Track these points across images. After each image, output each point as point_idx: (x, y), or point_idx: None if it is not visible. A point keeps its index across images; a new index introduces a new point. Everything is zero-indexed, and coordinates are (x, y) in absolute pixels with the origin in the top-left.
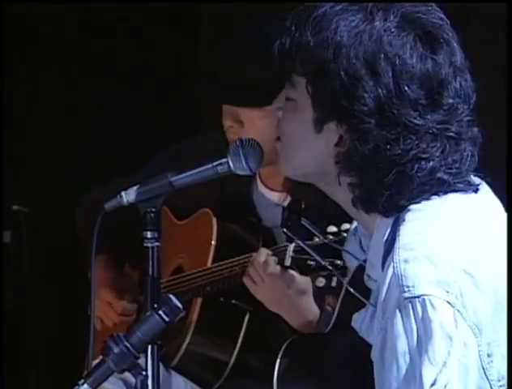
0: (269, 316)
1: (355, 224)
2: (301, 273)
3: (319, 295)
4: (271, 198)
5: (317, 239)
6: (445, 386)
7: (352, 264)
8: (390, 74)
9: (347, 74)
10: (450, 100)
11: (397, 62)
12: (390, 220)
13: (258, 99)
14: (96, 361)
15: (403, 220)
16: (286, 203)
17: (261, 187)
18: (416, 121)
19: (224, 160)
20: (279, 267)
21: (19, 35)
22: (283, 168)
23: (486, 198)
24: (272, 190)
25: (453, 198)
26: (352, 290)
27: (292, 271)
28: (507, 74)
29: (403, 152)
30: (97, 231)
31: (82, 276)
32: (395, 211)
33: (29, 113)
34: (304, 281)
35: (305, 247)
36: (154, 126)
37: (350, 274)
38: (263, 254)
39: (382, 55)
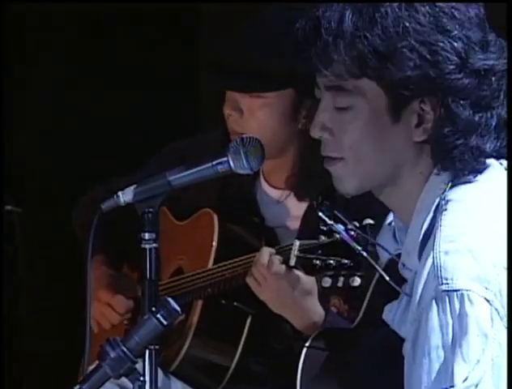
0: (272, 319)
1: (390, 217)
2: (307, 273)
3: (324, 296)
4: (273, 195)
5: (323, 238)
6: (477, 385)
7: (384, 257)
8: (457, 26)
9: (422, 44)
10: (493, 38)
11: (456, 14)
12: (431, 206)
13: (260, 85)
14: (91, 366)
15: (445, 210)
16: (288, 200)
17: (264, 185)
18: (489, 62)
19: (224, 158)
20: (283, 267)
21: (19, 35)
22: (351, 186)
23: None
24: (275, 187)
25: (493, 178)
26: (387, 277)
27: (297, 271)
28: (507, 74)
29: (497, 93)
30: (94, 231)
31: (79, 277)
32: (482, 164)
33: (29, 112)
34: (309, 281)
35: (344, 235)
36: (154, 126)
37: (382, 266)
38: (267, 253)
39: (442, 13)
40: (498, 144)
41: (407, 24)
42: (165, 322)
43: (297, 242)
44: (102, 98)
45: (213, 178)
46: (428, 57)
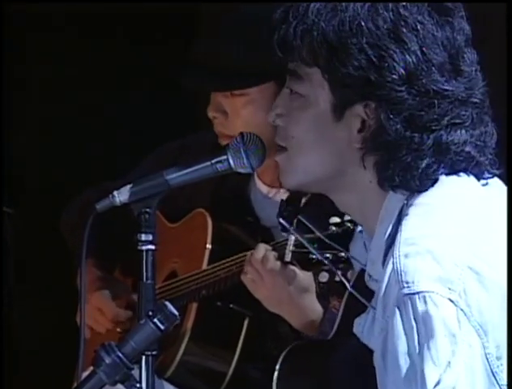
0: (270, 321)
1: (359, 227)
2: (303, 268)
3: (322, 293)
4: (268, 194)
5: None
6: (453, 388)
7: (358, 267)
8: (415, 40)
9: (372, 47)
10: (467, 68)
11: (419, 28)
12: (394, 214)
13: (238, 81)
14: (86, 373)
15: (406, 215)
16: (277, 197)
17: (258, 183)
18: (444, 86)
19: (224, 157)
20: (278, 263)
21: (19, 35)
22: (291, 179)
23: (499, 191)
24: (269, 186)
25: (466, 184)
26: (351, 291)
27: (292, 267)
28: (507, 74)
29: (438, 117)
30: (88, 233)
31: (72, 280)
32: (430, 184)
33: (29, 112)
34: (306, 277)
35: (301, 239)
36: (154, 126)
37: (353, 277)
38: (262, 249)
39: (403, 22)
40: (436, 167)
41: (363, 24)
42: (162, 327)
43: (292, 237)
44: (101, 98)
45: (212, 177)
46: (374, 60)
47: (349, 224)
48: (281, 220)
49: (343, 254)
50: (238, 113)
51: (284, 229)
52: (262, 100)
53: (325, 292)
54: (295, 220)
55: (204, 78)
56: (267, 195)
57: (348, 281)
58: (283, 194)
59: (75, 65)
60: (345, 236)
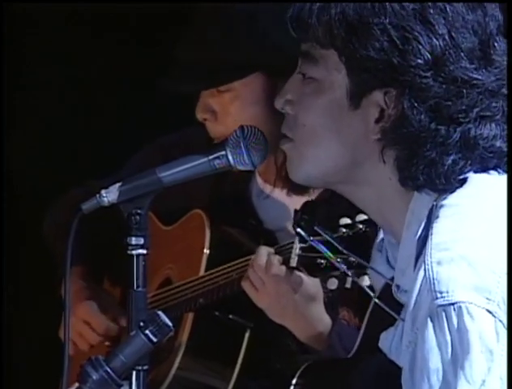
0: (273, 333)
1: (380, 237)
2: (310, 274)
3: (331, 302)
4: (272, 195)
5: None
6: None
7: (378, 284)
8: (443, 23)
9: (396, 28)
10: (498, 58)
11: (448, 10)
12: (422, 216)
13: (221, 77)
14: None
15: (437, 217)
16: (280, 197)
17: (260, 183)
18: (474, 75)
19: (222, 152)
20: (283, 268)
21: (20, 35)
22: (299, 171)
23: None
24: (270, 184)
25: (497, 183)
26: (377, 302)
27: (298, 273)
28: (507, 74)
29: (467, 108)
30: (73, 236)
31: (57, 290)
32: (457, 183)
33: (29, 112)
34: (313, 284)
35: (322, 249)
36: (153, 126)
37: (377, 292)
38: (265, 253)
39: (431, 3)
40: (463, 164)
41: (387, 2)
42: (155, 340)
43: (298, 240)
44: (101, 98)
45: (208, 175)
46: (397, 42)
47: (361, 226)
48: (298, 230)
49: (353, 259)
50: (227, 110)
51: (302, 240)
52: (249, 94)
53: (334, 301)
54: (311, 230)
55: (186, 79)
56: (269, 195)
57: (373, 291)
58: (294, 197)
59: (75, 65)
60: (357, 239)
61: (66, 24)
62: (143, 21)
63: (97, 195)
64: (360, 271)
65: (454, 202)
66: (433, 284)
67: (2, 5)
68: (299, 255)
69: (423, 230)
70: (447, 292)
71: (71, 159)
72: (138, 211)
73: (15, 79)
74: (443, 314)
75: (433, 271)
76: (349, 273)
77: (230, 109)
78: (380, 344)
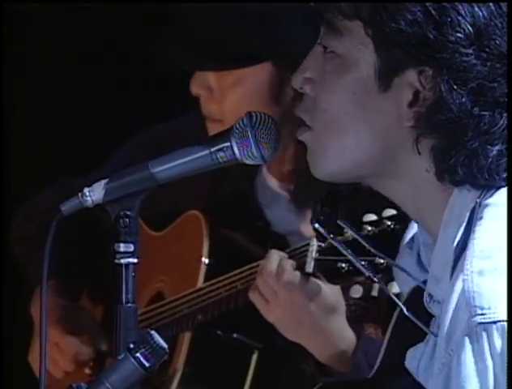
0: (286, 353)
1: (411, 233)
2: (329, 281)
3: (355, 314)
4: (281, 193)
5: (347, 233)
6: None
7: (406, 287)
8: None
9: None
10: None
11: None
12: (463, 217)
13: (228, 61)
14: None
15: (481, 218)
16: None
17: (269, 179)
18: None
19: (227, 143)
20: (298, 275)
21: (20, 33)
22: (323, 166)
23: None
24: (280, 180)
25: None
26: (408, 314)
27: (316, 280)
28: (507, 74)
29: None
30: (50, 243)
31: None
32: (502, 179)
33: (29, 111)
34: (333, 293)
35: (344, 251)
36: (153, 126)
37: (403, 297)
38: (275, 257)
39: None
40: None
41: None
42: (147, 364)
43: (315, 241)
44: (101, 98)
45: (210, 170)
46: (433, 13)
47: (388, 223)
48: (317, 226)
49: (381, 260)
50: (224, 93)
51: (321, 238)
52: (254, 83)
53: (358, 313)
54: (332, 225)
55: (189, 56)
56: (279, 193)
57: (399, 298)
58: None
59: (75, 65)
60: (384, 237)
61: (66, 24)
62: (145, 20)
63: (79, 194)
64: (390, 276)
65: (502, 201)
66: (473, 297)
67: (2, 5)
68: (316, 259)
69: (463, 233)
70: (489, 309)
71: (71, 159)
72: (128, 213)
73: (15, 79)
74: (484, 334)
75: (473, 283)
76: (376, 279)
77: (229, 93)
78: (406, 364)
